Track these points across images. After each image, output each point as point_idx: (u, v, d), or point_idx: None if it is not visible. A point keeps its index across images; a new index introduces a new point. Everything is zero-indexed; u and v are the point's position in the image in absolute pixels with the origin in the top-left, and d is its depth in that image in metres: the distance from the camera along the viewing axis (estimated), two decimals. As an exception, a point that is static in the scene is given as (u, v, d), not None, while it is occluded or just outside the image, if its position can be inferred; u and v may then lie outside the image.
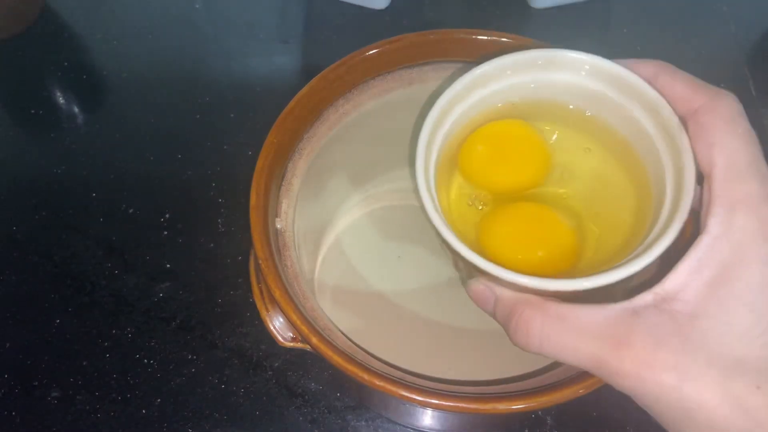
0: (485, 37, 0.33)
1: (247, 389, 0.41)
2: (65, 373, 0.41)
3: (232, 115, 0.51)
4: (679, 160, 0.24)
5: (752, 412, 0.20)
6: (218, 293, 0.44)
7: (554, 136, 0.30)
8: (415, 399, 0.25)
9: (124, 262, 0.45)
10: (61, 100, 0.53)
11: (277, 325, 0.31)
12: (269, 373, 0.41)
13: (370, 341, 0.31)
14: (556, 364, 0.30)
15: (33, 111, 0.52)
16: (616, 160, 0.29)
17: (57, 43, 0.55)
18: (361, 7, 0.56)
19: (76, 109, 0.52)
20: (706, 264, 0.21)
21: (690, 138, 0.24)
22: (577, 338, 0.22)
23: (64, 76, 0.54)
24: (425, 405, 0.25)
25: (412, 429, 0.40)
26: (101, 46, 0.55)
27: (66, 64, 0.54)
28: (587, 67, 0.27)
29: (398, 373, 0.28)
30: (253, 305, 0.31)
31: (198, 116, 0.51)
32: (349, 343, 0.30)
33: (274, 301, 0.28)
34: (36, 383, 0.41)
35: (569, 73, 0.27)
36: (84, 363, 0.41)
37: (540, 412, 0.40)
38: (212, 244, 0.45)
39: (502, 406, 0.25)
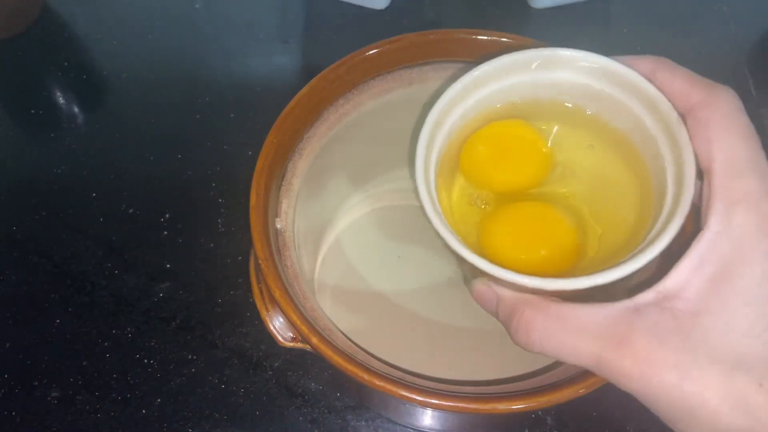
0: (485, 37, 0.33)
1: (247, 389, 0.41)
2: (65, 373, 0.41)
3: (232, 115, 0.51)
4: (679, 156, 0.24)
5: (754, 410, 0.20)
6: (218, 293, 0.44)
7: (555, 136, 0.30)
8: (415, 399, 0.25)
9: (124, 262, 0.45)
10: (61, 100, 0.53)
11: (277, 325, 0.31)
12: (269, 373, 0.41)
13: (370, 341, 0.31)
14: (556, 364, 0.30)
15: (33, 111, 0.52)
16: (617, 158, 0.29)
17: (57, 43, 0.55)
18: (361, 7, 0.56)
19: (76, 109, 0.52)
20: (707, 260, 0.21)
21: (689, 133, 0.24)
22: (578, 337, 0.22)
23: (64, 76, 0.54)
24: (425, 405, 0.25)
25: (412, 429, 0.40)
26: (101, 46, 0.55)
27: (66, 64, 0.54)
28: (586, 65, 0.27)
29: (398, 373, 0.28)
30: (253, 305, 0.31)
31: (198, 116, 0.51)
32: (349, 343, 0.30)
33: (274, 301, 0.28)
34: (36, 383, 0.41)
35: (568, 71, 0.27)
36: (84, 363, 0.41)
37: (540, 412, 0.40)
38: (212, 244, 0.45)
39: (502, 406, 0.25)
